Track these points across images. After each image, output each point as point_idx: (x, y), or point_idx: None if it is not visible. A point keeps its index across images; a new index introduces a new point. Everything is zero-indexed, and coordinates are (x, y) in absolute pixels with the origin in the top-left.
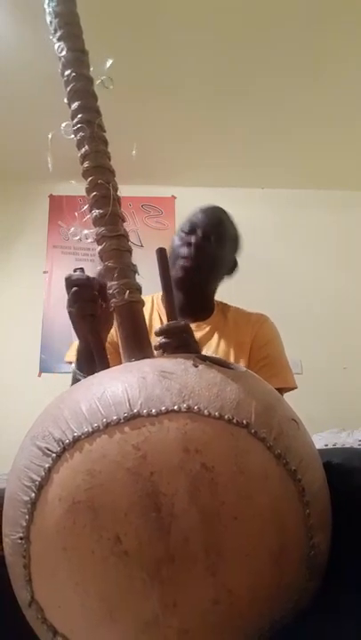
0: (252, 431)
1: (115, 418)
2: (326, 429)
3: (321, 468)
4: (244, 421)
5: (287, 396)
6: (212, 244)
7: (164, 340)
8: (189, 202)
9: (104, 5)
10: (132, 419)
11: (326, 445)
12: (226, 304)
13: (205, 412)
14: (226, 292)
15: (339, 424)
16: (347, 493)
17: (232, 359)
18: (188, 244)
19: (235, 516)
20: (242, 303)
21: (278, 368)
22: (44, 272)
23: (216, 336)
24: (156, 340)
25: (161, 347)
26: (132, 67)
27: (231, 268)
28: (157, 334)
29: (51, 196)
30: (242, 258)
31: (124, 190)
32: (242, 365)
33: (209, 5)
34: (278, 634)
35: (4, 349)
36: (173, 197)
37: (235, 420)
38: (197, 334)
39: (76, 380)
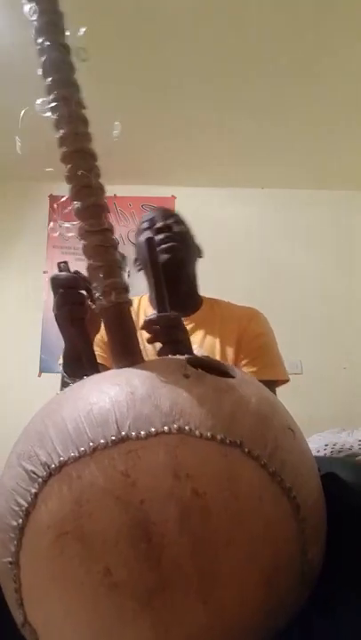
0: (246, 450)
1: (102, 441)
2: (326, 429)
3: (317, 477)
4: (238, 440)
5: (287, 396)
6: (175, 224)
7: (154, 334)
8: (189, 202)
9: (105, 6)
10: (121, 442)
11: (326, 445)
12: (217, 300)
13: (197, 432)
14: (226, 291)
15: (339, 424)
16: (347, 507)
17: (218, 354)
18: (158, 231)
19: (227, 542)
20: (241, 302)
21: (269, 360)
22: (44, 272)
23: (201, 333)
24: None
25: (151, 340)
26: (132, 66)
27: (198, 249)
28: (146, 324)
29: (51, 196)
30: (242, 257)
31: (124, 190)
32: (231, 363)
33: (210, 5)
34: None
35: (4, 349)
36: (173, 197)
37: (227, 440)
38: None
39: (64, 384)
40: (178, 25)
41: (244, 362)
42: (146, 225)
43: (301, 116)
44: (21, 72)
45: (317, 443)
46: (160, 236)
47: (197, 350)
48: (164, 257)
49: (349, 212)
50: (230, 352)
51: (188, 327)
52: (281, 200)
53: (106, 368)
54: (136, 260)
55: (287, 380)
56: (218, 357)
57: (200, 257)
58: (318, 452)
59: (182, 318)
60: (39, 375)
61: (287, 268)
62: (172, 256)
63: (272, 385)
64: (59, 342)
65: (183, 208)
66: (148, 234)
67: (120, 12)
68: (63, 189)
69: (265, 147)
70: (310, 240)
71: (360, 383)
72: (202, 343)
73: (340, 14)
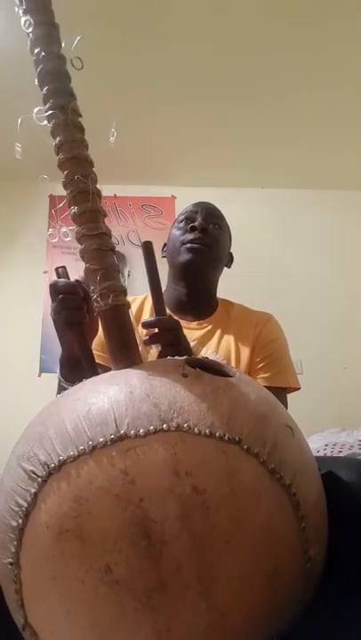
0: (245, 447)
1: (101, 440)
2: (326, 429)
3: (317, 476)
4: (237, 437)
5: (288, 396)
6: (214, 227)
7: (153, 335)
8: (189, 202)
9: (104, 6)
10: (119, 440)
11: (326, 445)
12: (230, 302)
13: (196, 429)
14: (225, 291)
15: (339, 424)
16: (349, 507)
17: (233, 358)
18: (192, 229)
19: (227, 539)
20: (241, 302)
21: (282, 367)
22: (44, 272)
23: (218, 335)
24: (144, 333)
25: (150, 342)
26: (132, 67)
27: (229, 259)
28: (145, 327)
29: (51, 196)
30: (242, 258)
31: (124, 190)
32: (242, 365)
33: (210, 7)
34: None
35: (4, 349)
36: (173, 197)
37: (226, 437)
38: (199, 332)
39: (61, 388)
40: (178, 25)
41: (258, 366)
42: (182, 217)
43: (302, 116)
44: (21, 74)
45: (317, 443)
46: (191, 236)
47: (212, 355)
48: (186, 257)
49: (350, 212)
50: (245, 353)
51: (207, 329)
52: (281, 200)
53: (106, 368)
54: (164, 246)
55: (298, 388)
56: (233, 357)
57: (228, 267)
58: (318, 451)
59: (200, 321)
60: (39, 375)
61: (287, 267)
62: (194, 259)
63: (283, 392)
64: (59, 342)
65: (183, 208)
66: (182, 227)
67: (119, 12)
68: (63, 190)
69: (265, 147)
70: (310, 240)
71: (360, 383)
72: (219, 343)
73: (342, 15)
